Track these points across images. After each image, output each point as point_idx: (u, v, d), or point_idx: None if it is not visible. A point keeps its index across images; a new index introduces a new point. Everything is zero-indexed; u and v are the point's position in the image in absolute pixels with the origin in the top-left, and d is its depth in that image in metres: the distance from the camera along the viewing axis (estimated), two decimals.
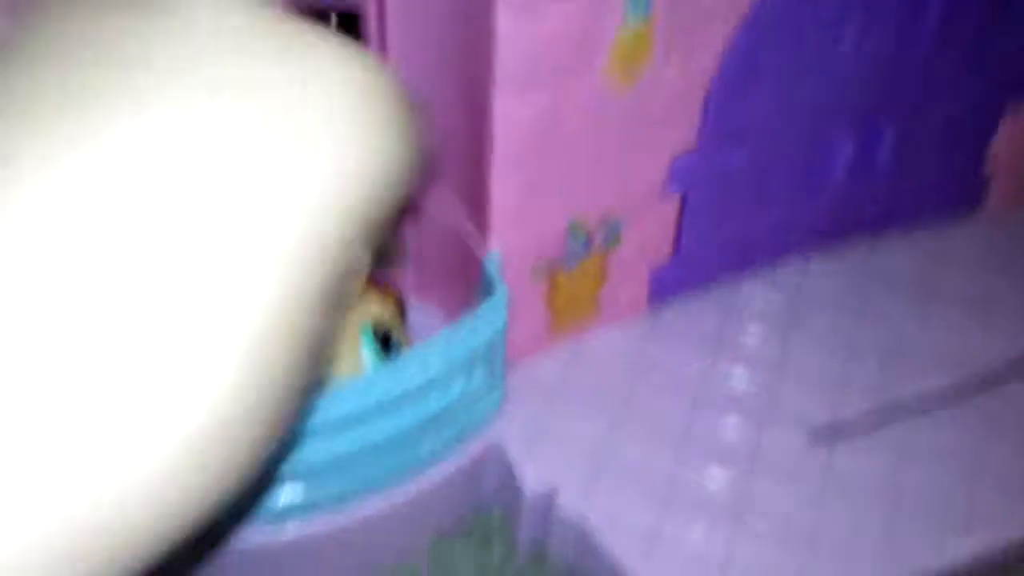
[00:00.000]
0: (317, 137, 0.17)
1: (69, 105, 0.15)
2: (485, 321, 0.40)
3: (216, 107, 0.16)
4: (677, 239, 0.47)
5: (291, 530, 0.40)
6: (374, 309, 0.42)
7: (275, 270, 0.16)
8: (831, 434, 0.44)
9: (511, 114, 0.38)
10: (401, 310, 0.45)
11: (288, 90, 0.17)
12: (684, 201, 0.46)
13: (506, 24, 0.36)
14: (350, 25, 0.42)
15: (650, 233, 0.46)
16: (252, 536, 0.39)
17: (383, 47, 0.42)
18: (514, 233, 0.42)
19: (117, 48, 0.16)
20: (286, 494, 0.39)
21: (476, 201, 0.42)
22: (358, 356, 0.41)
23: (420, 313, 0.49)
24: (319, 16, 0.43)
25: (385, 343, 0.41)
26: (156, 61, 0.16)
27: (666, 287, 0.49)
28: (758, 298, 0.50)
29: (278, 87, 0.17)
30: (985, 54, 0.48)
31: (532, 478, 0.42)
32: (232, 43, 0.17)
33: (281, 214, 0.17)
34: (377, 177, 0.19)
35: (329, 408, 0.37)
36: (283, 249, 0.17)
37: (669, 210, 0.46)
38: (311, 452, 0.37)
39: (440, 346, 0.38)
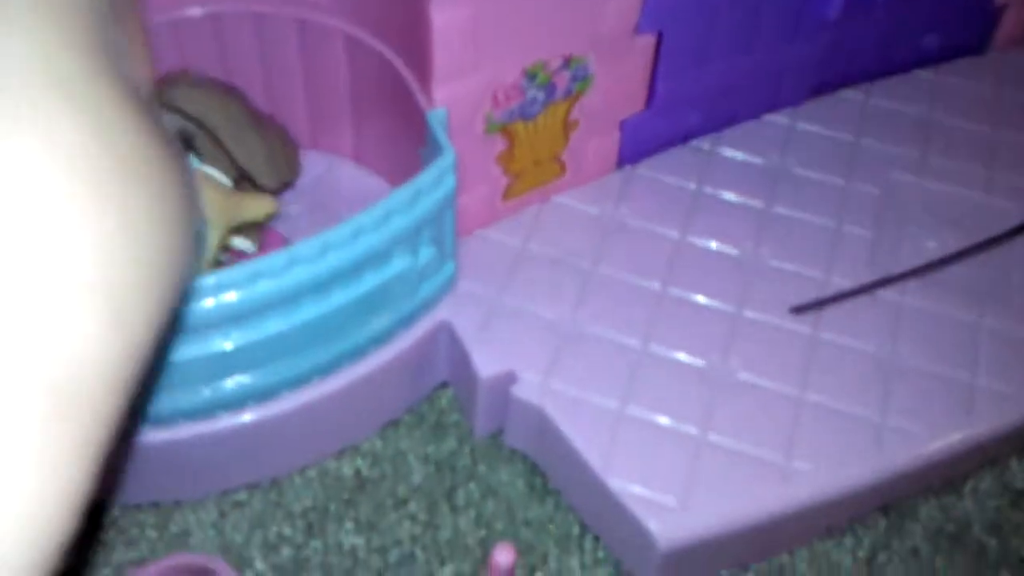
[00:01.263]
0: None
1: None
2: (429, 187, 0.34)
3: None
4: (652, 85, 0.41)
5: (224, 419, 0.36)
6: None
7: None
8: (818, 303, 0.40)
9: None
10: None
11: None
12: (660, 39, 0.40)
13: None
14: None
15: (621, 78, 0.40)
16: (187, 426, 0.35)
17: None
18: (461, 81, 0.36)
19: None
20: (223, 380, 0.34)
21: (416, 47, 0.35)
22: None
23: (361, 182, 0.43)
24: None
25: None
26: None
27: (639, 141, 0.43)
28: (740, 153, 0.45)
29: None
30: None
31: (486, 360, 0.37)
32: None
33: None
34: None
35: (251, 286, 0.32)
36: None
37: (643, 51, 0.40)
38: (241, 334, 0.33)
39: (374, 217, 0.33)
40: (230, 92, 0.39)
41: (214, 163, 0.37)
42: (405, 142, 0.39)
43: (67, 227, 0.17)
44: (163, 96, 0.38)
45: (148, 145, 0.20)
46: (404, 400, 0.40)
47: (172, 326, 0.31)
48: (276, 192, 0.41)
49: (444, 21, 0.33)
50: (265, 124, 0.40)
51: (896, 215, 0.43)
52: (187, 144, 0.37)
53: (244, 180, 0.39)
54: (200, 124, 0.37)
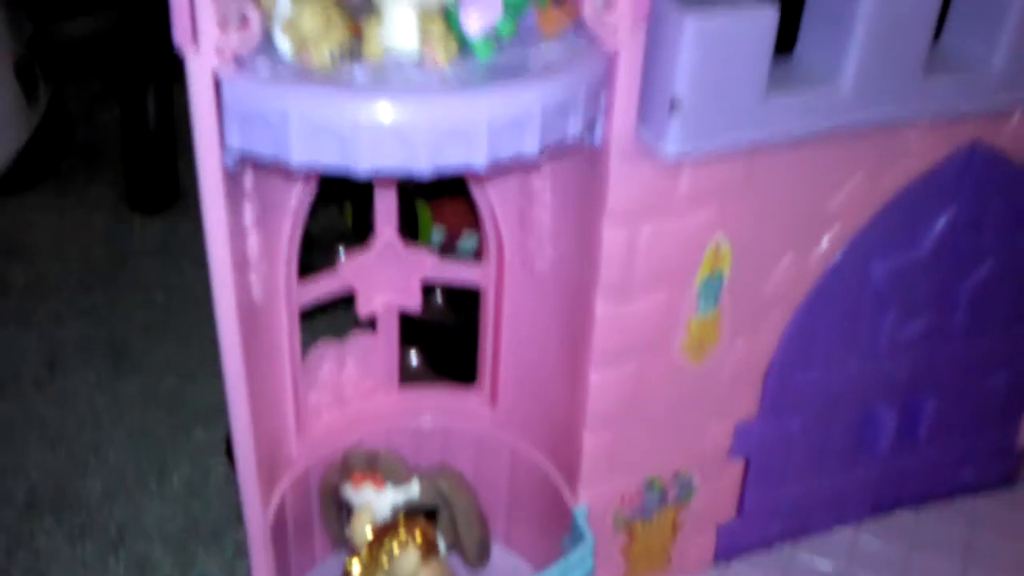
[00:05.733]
0: None
1: None
2: (574, 566, 0.45)
3: None
4: (742, 499, 0.52)
5: None
6: None
7: None
8: None
9: (602, 383, 0.45)
10: None
11: None
12: (748, 464, 0.51)
13: (603, 308, 0.43)
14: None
15: (718, 491, 0.51)
16: None
17: (498, 328, 0.50)
18: (600, 486, 0.48)
19: None
20: None
21: (568, 458, 0.48)
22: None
23: (510, 562, 0.54)
24: None
25: None
26: None
27: (731, 544, 0.53)
28: (814, 557, 0.55)
29: None
30: (1014, 337, 0.55)
31: None
32: None
33: None
34: None
35: None
36: None
37: (735, 471, 0.51)
38: None
39: None
40: (471, 489, 0.51)
41: (442, 531, 0.48)
42: (550, 531, 0.50)
43: None
44: (432, 480, 0.48)
45: None
46: None
47: None
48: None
49: (593, 441, 0.46)
50: (483, 518, 0.51)
51: None
52: (431, 514, 0.48)
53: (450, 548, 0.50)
54: (448, 505, 0.49)
